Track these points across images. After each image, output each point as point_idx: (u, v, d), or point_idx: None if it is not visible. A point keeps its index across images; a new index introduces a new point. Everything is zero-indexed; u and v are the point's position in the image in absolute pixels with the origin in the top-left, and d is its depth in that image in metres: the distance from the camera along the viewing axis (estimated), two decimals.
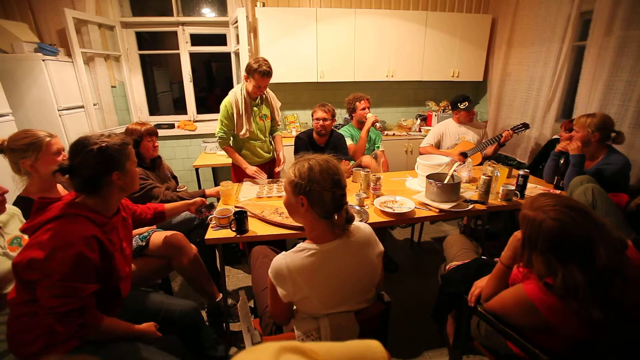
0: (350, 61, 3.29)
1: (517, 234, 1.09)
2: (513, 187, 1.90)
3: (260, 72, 2.02)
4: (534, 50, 3.02)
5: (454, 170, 1.93)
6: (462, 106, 2.76)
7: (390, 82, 3.56)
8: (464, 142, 2.83)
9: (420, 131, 3.60)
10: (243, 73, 2.16)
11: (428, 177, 1.88)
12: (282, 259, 0.95)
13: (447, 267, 1.55)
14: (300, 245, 0.98)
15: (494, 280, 1.16)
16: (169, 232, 1.74)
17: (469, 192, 1.99)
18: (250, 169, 2.23)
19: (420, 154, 2.84)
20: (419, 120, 3.69)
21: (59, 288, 0.95)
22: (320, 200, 0.95)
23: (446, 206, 1.77)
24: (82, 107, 2.95)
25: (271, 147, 2.46)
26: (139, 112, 3.61)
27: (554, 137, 2.70)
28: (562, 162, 2.15)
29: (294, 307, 1.02)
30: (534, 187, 2.09)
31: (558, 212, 0.92)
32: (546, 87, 2.88)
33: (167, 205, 1.62)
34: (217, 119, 3.52)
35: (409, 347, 1.77)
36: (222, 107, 2.17)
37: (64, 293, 0.95)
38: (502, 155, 3.33)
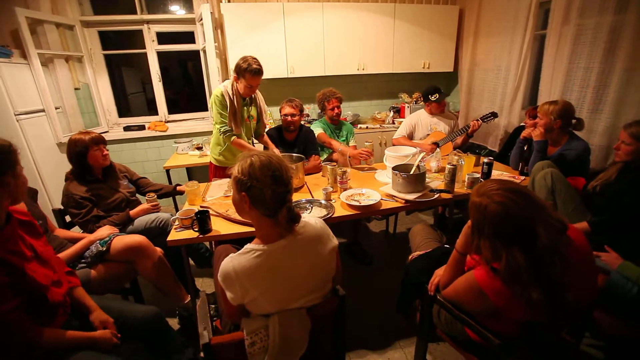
0: (320, 56, 3.27)
1: (470, 222, 1.11)
2: (479, 175, 1.94)
3: (250, 71, 1.95)
4: (499, 40, 3.07)
5: (420, 161, 1.95)
6: (432, 98, 2.79)
7: (362, 75, 3.56)
8: (435, 133, 2.86)
9: (393, 123, 3.62)
10: (232, 74, 2.07)
11: (394, 168, 1.89)
12: (229, 262, 0.93)
13: (410, 257, 1.57)
14: (248, 246, 0.96)
15: (450, 268, 1.17)
16: (131, 236, 1.70)
17: (436, 182, 2.02)
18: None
19: (394, 145, 2.86)
20: (392, 113, 3.72)
21: None
22: (261, 197, 0.93)
23: (412, 196, 1.79)
24: (43, 110, 2.83)
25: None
26: (107, 114, 3.49)
27: (520, 124, 2.76)
28: (526, 148, 2.20)
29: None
30: (500, 174, 2.13)
31: (501, 195, 0.93)
32: (512, 76, 2.94)
33: (63, 254, 1.53)
34: (188, 119, 3.43)
35: (381, 338, 1.78)
36: (214, 98, 2.05)
37: None
38: (474, 144, 3.39)
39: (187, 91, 4.37)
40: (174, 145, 3.25)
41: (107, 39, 3.44)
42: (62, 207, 1.84)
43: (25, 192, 1.12)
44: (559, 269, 0.88)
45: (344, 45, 3.29)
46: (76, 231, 1.84)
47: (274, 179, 0.93)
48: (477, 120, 2.60)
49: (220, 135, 2.12)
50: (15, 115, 2.54)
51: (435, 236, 1.66)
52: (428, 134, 2.87)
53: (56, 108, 2.93)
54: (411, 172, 1.86)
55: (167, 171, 2.95)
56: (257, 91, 2.24)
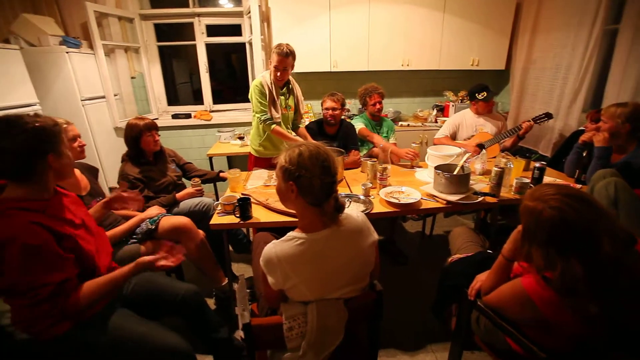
0: (364, 50, 3.22)
1: (520, 227, 1.05)
2: (528, 180, 1.82)
3: (277, 52, 1.97)
4: (561, 36, 2.83)
5: (465, 162, 1.86)
6: (480, 96, 2.65)
7: (406, 72, 3.46)
8: (481, 134, 2.72)
9: (436, 122, 3.49)
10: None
11: (436, 167, 1.83)
12: (272, 248, 0.95)
13: (450, 259, 1.51)
14: (290, 234, 0.98)
15: (494, 273, 1.12)
16: (177, 217, 1.80)
17: (481, 185, 1.92)
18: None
19: (434, 144, 2.76)
20: (435, 111, 3.59)
21: (20, 285, 0.94)
22: (310, 187, 0.94)
23: (454, 198, 1.72)
24: (104, 97, 3.08)
25: None
26: (158, 102, 3.72)
27: (579, 128, 2.54)
28: (585, 154, 2.02)
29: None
30: (552, 181, 1.98)
31: (558, 200, 0.87)
32: (573, 75, 2.70)
33: (117, 229, 1.63)
34: (231, 109, 3.56)
35: (412, 339, 1.75)
36: (253, 88, 2.09)
37: (26, 289, 0.95)
38: (523, 147, 3.18)
39: (230, 82, 4.53)
40: (217, 134, 3.39)
41: (161, 32, 3.65)
42: (117, 186, 2.00)
43: (69, 171, 1.15)
44: (623, 284, 0.81)
45: (388, 40, 3.22)
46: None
47: (323, 169, 0.94)
48: (529, 121, 2.44)
49: (260, 124, 2.16)
50: (82, 100, 2.79)
51: (477, 240, 1.59)
52: (473, 135, 2.73)
53: (115, 95, 3.17)
54: (455, 173, 1.80)
55: (210, 158, 3.08)
56: (295, 82, 2.26)
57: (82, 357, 1.09)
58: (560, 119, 2.84)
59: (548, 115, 2.42)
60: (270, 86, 2.07)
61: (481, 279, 1.21)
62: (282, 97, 2.20)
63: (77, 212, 1.18)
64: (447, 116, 3.46)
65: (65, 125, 1.46)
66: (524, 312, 0.97)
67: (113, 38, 3.19)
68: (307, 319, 0.94)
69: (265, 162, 2.32)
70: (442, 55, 3.33)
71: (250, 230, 2.42)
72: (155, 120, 2.06)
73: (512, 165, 1.91)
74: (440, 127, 2.95)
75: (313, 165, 0.93)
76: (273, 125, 2.11)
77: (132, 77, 3.50)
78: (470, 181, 1.85)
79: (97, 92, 3.00)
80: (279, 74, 2.05)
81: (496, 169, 1.76)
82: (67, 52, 2.68)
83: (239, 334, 1.76)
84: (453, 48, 3.32)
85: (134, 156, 1.94)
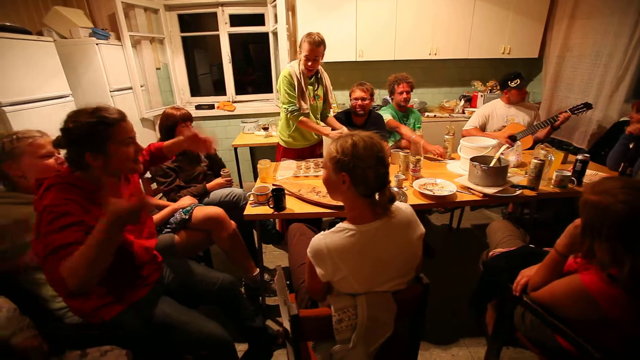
0: (391, 39, 3.14)
1: (577, 222, 1.00)
2: (569, 173, 1.74)
3: (309, 40, 1.94)
4: (603, 22, 2.67)
5: (502, 154, 1.80)
6: (513, 84, 2.55)
7: (433, 61, 3.35)
8: (512, 125, 2.63)
9: (463, 113, 3.39)
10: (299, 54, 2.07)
11: (472, 159, 1.78)
12: (321, 239, 0.94)
13: (490, 253, 1.47)
14: (340, 225, 0.96)
15: (546, 269, 1.08)
16: (210, 207, 1.82)
17: (517, 177, 1.86)
18: (333, 134, 2.07)
19: (463, 136, 2.68)
20: (462, 101, 3.48)
21: (55, 241, 0.93)
22: (363, 178, 0.92)
23: (491, 190, 1.67)
24: (130, 88, 3.12)
25: None
26: (182, 93, 3.75)
27: (621, 119, 2.42)
28: (632, 146, 1.92)
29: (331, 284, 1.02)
30: (594, 174, 1.90)
31: (627, 194, 0.82)
32: (615, 63, 2.56)
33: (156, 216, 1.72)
34: (254, 100, 3.55)
35: (445, 333, 1.73)
36: (282, 78, 2.07)
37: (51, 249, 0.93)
38: (555, 139, 3.05)
39: (251, 73, 4.52)
40: (241, 124, 3.39)
41: (184, 22, 3.65)
42: (150, 176, 2.03)
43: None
44: None
45: (416, 28, 3.12)
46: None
47: (378, 160, 0.92)
48: (566, 111, 2.33)
49: (287, 115, 2.14)
50: (110, 91, 2.83)
51: (518, 234, 1.54)
52: (504, 126, 2.64)
53: (141, 86, 3.21)
54: (491, 164, 1.74)
55: (235, 149, 3.09)
56: (324, 71, 2.22)
57: (129, 342, 1.12)
58: (599, 109, 2.70)
59: (587, 106, 2.31)
60: (299, 76, 2.04)
61: (527, 274, 1.17)
62: (311, 87, 2.17)
63: (127, 195, 1.16)
64: (475, 107, 3.35)
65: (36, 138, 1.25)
66: (581, 310, 0.93)
67: (139, 29, 3.21)
68: (357, 312, 0.92)
69: (294, 153, 2.32)
70: (472, 43, 3.21)
71: (277, 221, 2.42)
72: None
73: (553, 158, 1.83)
74: (468, 118, 2.87)
75: (368, 155, 0.91)
76: (300, 117, 2.09)
77: (157, 68, 3.53)
78: (507, 174, 1.79)
79: (124, 83, 3.04)
80: (309, 63, 2.01)
81: (535, 161, 1.69)
82: (96, 44, 2.71)
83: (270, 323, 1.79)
84: (483, 36, 3.20)
85: None
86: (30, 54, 2.14)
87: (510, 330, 1.29)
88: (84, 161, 1.03)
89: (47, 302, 1.20)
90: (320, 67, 2.19)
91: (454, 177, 1.88)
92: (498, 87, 3.09)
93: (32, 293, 1.19)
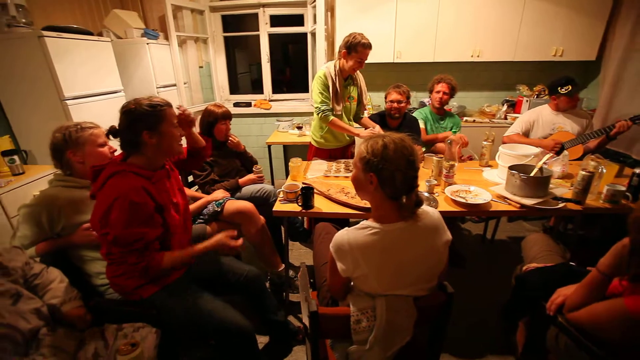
0: (431, 40, 3.05)
1: (625, 241, 0.92)
2: (623, 188, 1.59)
3: (363, 44, 1.96)
4: None
5: (545, 163, 1.69)
6: (563, 90, 2.37)
7: (475, 63, 3.21)
8: (560, 133, 2.44)
9: (505, 119, 3.21)
10: (337, 54, 2.11)
11: (511, 167, 1.69)
12: (344, 234, 0.95)
13: (524, 268, 1.39)
14: (364, 222, 0.96)
15: (586, 289, 1.00)
16: (241, 201, 1.89)
17: (561, 189, 1.73)
18: (364, 133, 2.09)
19: (503, 143, 2.54)
20: (505, 107, 3.29)
21: (123, 237, 1.08)
22: (391, 180, 0.91)
23: (530, 202, 1.57)
24: (175, 85, 3.31)
25: None
26: (221, 90, 3.91)
27: None
28: None
29: (351, 283, 1.02)
30: None
31: None
32: None
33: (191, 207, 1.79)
34: (290, 99, 3.63)
35: (469, 346, 1.66)
36: (316, 79, 2.11)
37: (127, 240, 1.09)
38: (610, 150, 2.80)
39: (288, 72, 4.61)
40: (275, 123, 3.48)
41: (226, 23, 3.81)
42: None
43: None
44: None
45: (459, 29, 3.00)
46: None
47: (408, 163, 0.91)
48: (626, 120, 2.12)
49: (318, 115, 2.14)
50: (157, 88, 3.03)
51: (557, 250, 1.44)
52: (550, 134, 2.46)
53: (184, 83, 3.40)
54: (532, 174, 1.64)
55: (269, 147, 3.18)
56: (359, 72, 2.21)
57: (161, 320, 1.20)
58: None
59: None
60: (334, 78, 2.06)
61: (564, 293, 1.09)
62: (345, 89, 2.17)
63: (169, 186, 1.30)
64: (519, 112, 3.17)
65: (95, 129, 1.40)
66: (624, 336, 0.85)
67: (185, 29, 3.40)
68: (375, 313, 0.92)
69: (326, 153, 2.34)
70: (519, 44, 3.02)
71: (305, 219, 2.46)
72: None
73: (604, 170, 1.68)
74: (511, 124, 2.71)
75: (398, 158, 0.91)
76: (330, 118, 2.10)
77: (200, 67, 3.72)
78: (549, 185, 1.68)
79: (169, 80, 3.23)
80: (357, 65, 2.04)
81: (584, 172, 1.57)
82: (147, 43, 2.91)
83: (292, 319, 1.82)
84: (533, 37, 3.00)
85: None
86: (91, 53, 2.36)
87: (541, 352, 1.21)
88: (140, 140, 1.14)
89: (91, 277, 1.32)
90: None
91: (489, 186, 1.80)
92: (546, 92, 2.89)
93: (79, 269, 1.32)
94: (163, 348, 1.13)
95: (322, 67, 2.15)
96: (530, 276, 1.30)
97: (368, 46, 1.97)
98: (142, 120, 1.13)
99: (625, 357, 0.89)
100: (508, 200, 1.65)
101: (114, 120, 1.19)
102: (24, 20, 2.07)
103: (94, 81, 2.38)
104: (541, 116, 2.50)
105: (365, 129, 2.21)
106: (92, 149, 1.34)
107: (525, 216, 2.78)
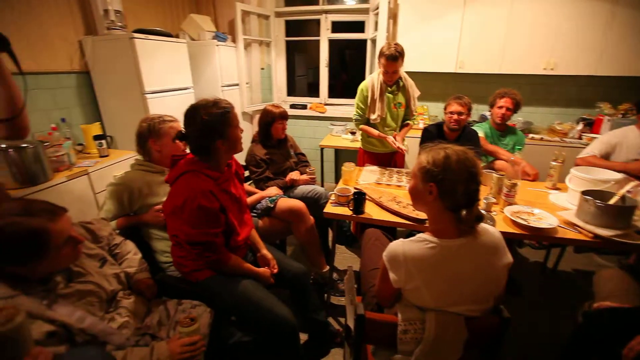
0: (499, 51, 2.88)
1: None
2: None
3: (385, 55, 1.98)
4: None
5: (628, 191, 1.51)
6: None
7: (548, 76, 2.96)
8: None
9: (580, 138, 2.91)
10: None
11: (584, 192, 1.53)
12: (399, 245, 0.94)
13: (596, 305, 1.25)
14: (421, 235, 0.95)
15: None
16: (293, 200, 1.95)
17: None
18: (389, 139, 2.13)
19: (577, 165, 2.30)
20: (580, 125, 2.98)
21: (192, 237, 1.19)
22: (452, 191, 0.89)
23: (607, 232, 1.41)
24: (237, 85, 3.52)
25: None
26: (279, 92, 4.08)
27: None
28: None
29: (401, 293, 1.01)
30: None
31: None
32: None
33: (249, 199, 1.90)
34: (345, 104, 3.69)
35: None
36: (358, 90, 2.22)
37: (196, 237, 1.20)
38: None
39: (345, 77, 4.66)
40: (329, 126, 3.53)
41: (288, 27, 3.96)
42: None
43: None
44: None
45: (531, 39, 2.79)
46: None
47: (470, 175, 0.89)
48: None
49: (354, 122, 2.31)
50: (221, 87, 3.25)
51: (636, 290, 1.27)
52: (637, 159, 2.19)
53: (246, 83, 3.60)
54: (611, 202, 1.47)
55: (322, 149, 3.24)
56: (407, 78, 2.21)
57: (213, 303, 1.28)
58: None
59: None
60: (375, 88, 2.12)
61: None
62: (391, 95, 2.19)
63: (237, 188, 1.40)
64: (597, 132, 2.86)
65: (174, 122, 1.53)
66: None
67: (251, 33, 3.61)
68: (424, 327, 0.90)
69: (373, 157, 2.36)
70: (604, 57, 2.74)
71: (351, 224, 2.46)
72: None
73: None
74: (586, 144, 2.46)
75: (460, 169, 0.89)
76: (360, 125, 2.28)
77: (262, 68, 3.92)
78: (633, 216, 1.49)
79: (232, 80, 3.45)
80: (385, 76, 2.08)
81: None
82: (217, 45, 3.14)
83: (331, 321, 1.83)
84: (621, 48, 2.69)
85: (262, 139, 2.17)
86: (169, 53, 2.61)
87: None
88: (213, 147, 1.21)
89: (157, 254, 1.46)
90: (403, 74, 2.20)
91: (556, 210, 1.65)
92: (634, 112, 2.58)
93: (148, 245, 1.47)
94: (215, 327, 1.21)
95: (368, 76, 2.22)
96: (604, 315, 1.17)
97: (391, 58, 1.96)
98: (216, 129, 1.19)
99: None
100: (579, 229, 1.50)
101: (182, 113, 1.26)
102: (119, 24, 2.36)
103: (169, 78, 2.63)
104: (626, 139, 2.23)
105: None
106: (168, 141, 1.48)
107: (598, 248, 2.50)
